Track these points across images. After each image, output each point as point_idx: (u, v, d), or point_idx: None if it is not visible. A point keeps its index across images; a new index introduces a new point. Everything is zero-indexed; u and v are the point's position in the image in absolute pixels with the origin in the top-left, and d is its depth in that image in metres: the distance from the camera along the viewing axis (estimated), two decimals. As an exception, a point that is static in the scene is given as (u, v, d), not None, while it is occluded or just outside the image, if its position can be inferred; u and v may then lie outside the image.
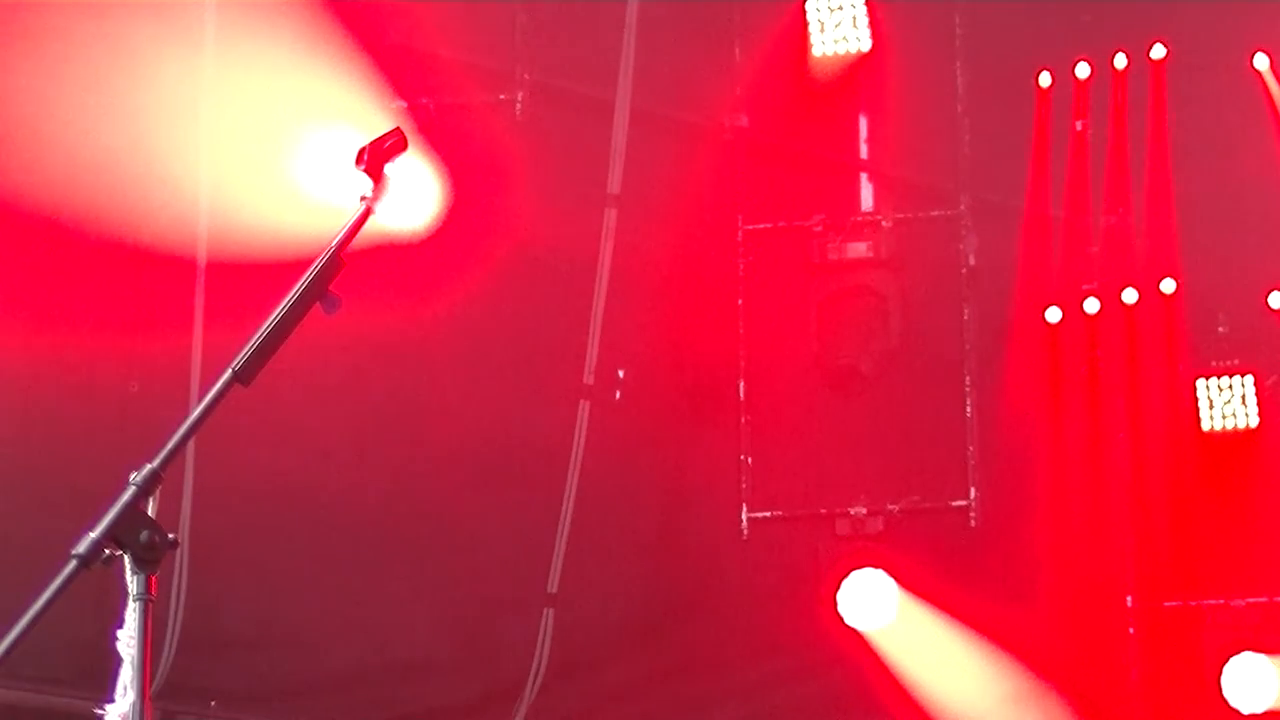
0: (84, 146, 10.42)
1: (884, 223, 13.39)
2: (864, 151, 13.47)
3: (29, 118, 10.38)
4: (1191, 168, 12.86)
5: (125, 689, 4.33)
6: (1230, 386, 12.70)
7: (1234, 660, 12.17)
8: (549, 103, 12.50)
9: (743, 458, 13.16)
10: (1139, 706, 12.48)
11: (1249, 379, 12.51)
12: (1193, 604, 12.46)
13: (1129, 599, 12.64)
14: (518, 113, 12.40)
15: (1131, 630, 12.62)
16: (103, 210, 10.40)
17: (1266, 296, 12.09)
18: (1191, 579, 12.41)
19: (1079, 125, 13.31)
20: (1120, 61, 13.20)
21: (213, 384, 4.27)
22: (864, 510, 13.06)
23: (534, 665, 12.26)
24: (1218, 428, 12.56)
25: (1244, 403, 12.59)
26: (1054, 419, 13.08)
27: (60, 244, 10.35)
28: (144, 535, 4.11)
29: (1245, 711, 12.10)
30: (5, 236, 10.26)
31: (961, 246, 13.38)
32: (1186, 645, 11.43)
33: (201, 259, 10.84)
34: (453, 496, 11.45)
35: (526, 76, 12.45)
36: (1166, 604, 12.79)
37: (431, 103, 10.69)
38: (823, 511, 13.10)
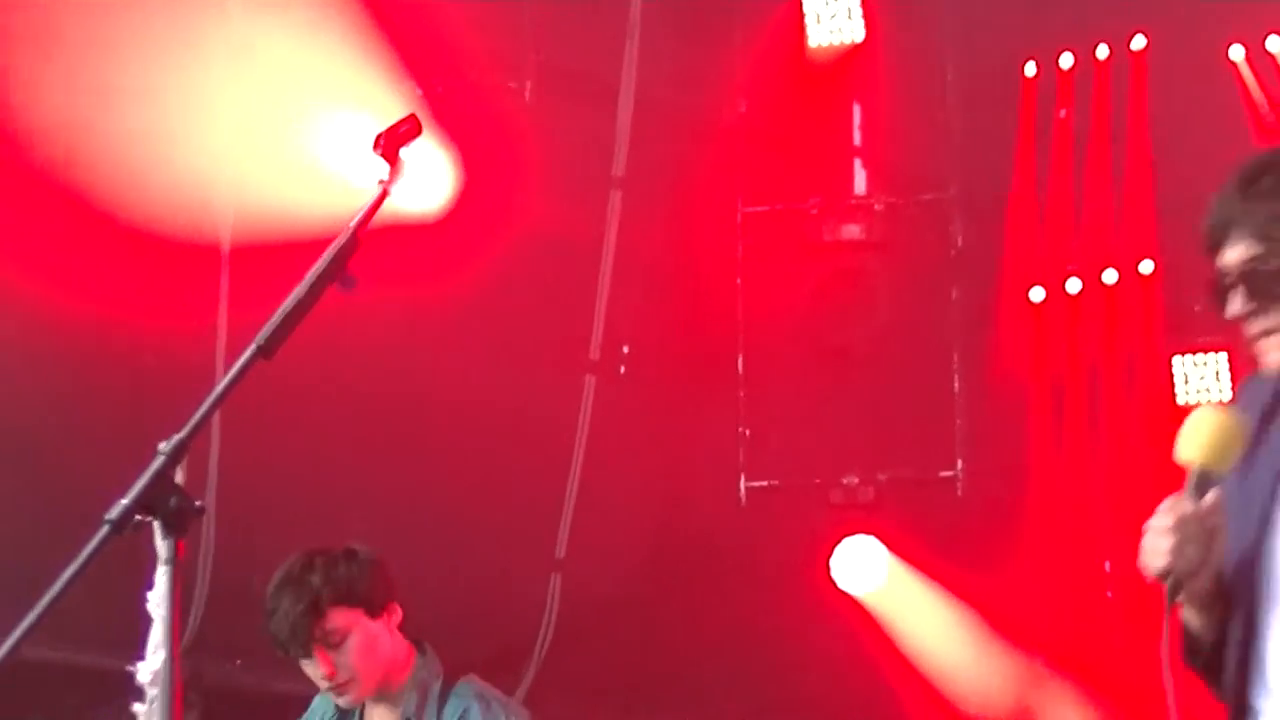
0: (112, 134, 10.45)
1: (876, 206, 13.43)
2: (857, 138, 13.50)
3: (66, 108, 10.40)
4: (1170, 154, 12.89)
5: (156, 648, 4.36)
6: (1205, 363, 12.75)
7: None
8: (556, 89, 12.52)
9: (741, 430, 13.20)
10: (1116, 668, 12.51)
11: (1223, 356, 12.55)
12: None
13: (1107, 564, 12.67)
14: (527, 98, 12.42)
15: (1109, 594, 12.63)
16: (132, 195, 10.45)
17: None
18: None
19: (1063, 113, 13.33)
20: (1102, 52, 13.22)
21: (236, 359, 4.33)
22: (856, 480, 13.09)
23: (542, 627, 12.29)
24: (1192, 401, 12.58)
25: (1217, 378, 12.63)
26: (1037, 394, 13.12)
27: (98, 227, 10.37)
28: (173, 502, 4.15)
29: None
30: (47, 219, 10.30)
31: (950, 229, 13.41)
32: (1162, 610, 11.43)
33: (225, 242, 10.85)
34: (464, 466, 11.50)
35: (534, 63, 12.47)
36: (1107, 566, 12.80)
37: (444, 89, 10.68)
38: (817, 481, 13.14)
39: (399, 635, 6.72)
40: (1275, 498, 4.45)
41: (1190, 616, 4.58)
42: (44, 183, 10.36)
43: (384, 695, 6.70)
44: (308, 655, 6.60)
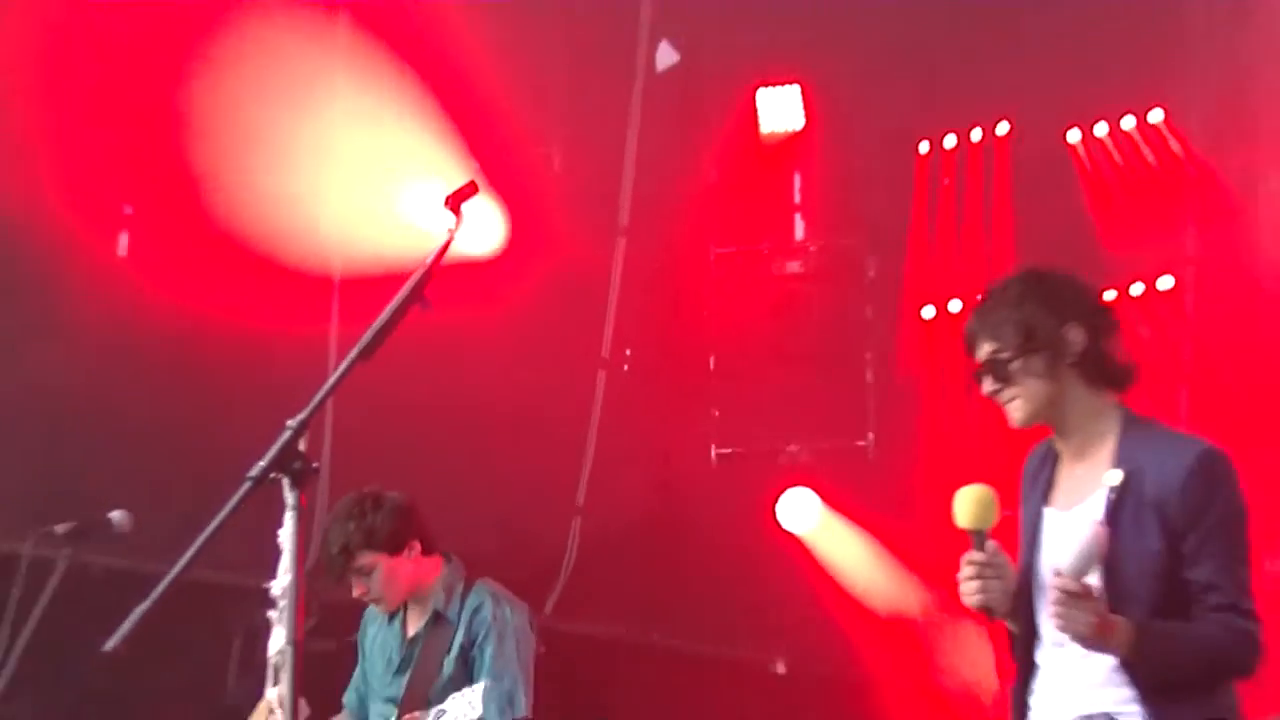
0: (258, 193, 10.43)
1: (811, 247, 13.41)
2: (797, 198, 13.49)
3: (230, 169, 10.38)
4: (1026, 207, 12.87)
5: (284, 571, 4.36)
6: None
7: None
8: (576, 158, 12.51)
9: (712, 411, 13.17)
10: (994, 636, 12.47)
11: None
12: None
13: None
14: (555, 166, 12.40)
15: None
16: (271, 238, 10.43)
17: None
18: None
19: (946, 181, 13.30)
20: (975, 135, 13.19)
21: (344, 359, 4.38)
22: (796, 448, 13.07)
23: (565, 559, 12.26)
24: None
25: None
26: (928, 385, 13.09)
27: (247, 261, 10.34)
28: (297, 464, 4.21)
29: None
30: (212, 254, 10.27)
31: (864, 264, 13.38)
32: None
33: (336, 273, 10.82)
34: (507, 436, 11.50)
35: (559, 137, 12.47)
36: (1006, 513, 12.72)
37: (493, 159, 10.65)
38: (768, 448, 13.12)
39: (421, 558, 6.73)
40: (1037, 526, 4.71)
41: (1010, 625, 4.74)
42: (212, 229, 10.35)
43: (415, 598, 6.77)
44: (345, 582, 6.67)
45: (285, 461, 4.29)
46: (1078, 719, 4.52)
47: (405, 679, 6.70)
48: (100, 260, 10.53)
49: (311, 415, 4.34)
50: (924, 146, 13.26)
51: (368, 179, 10.77)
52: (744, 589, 12.63)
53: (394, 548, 6.60)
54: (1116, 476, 4.43)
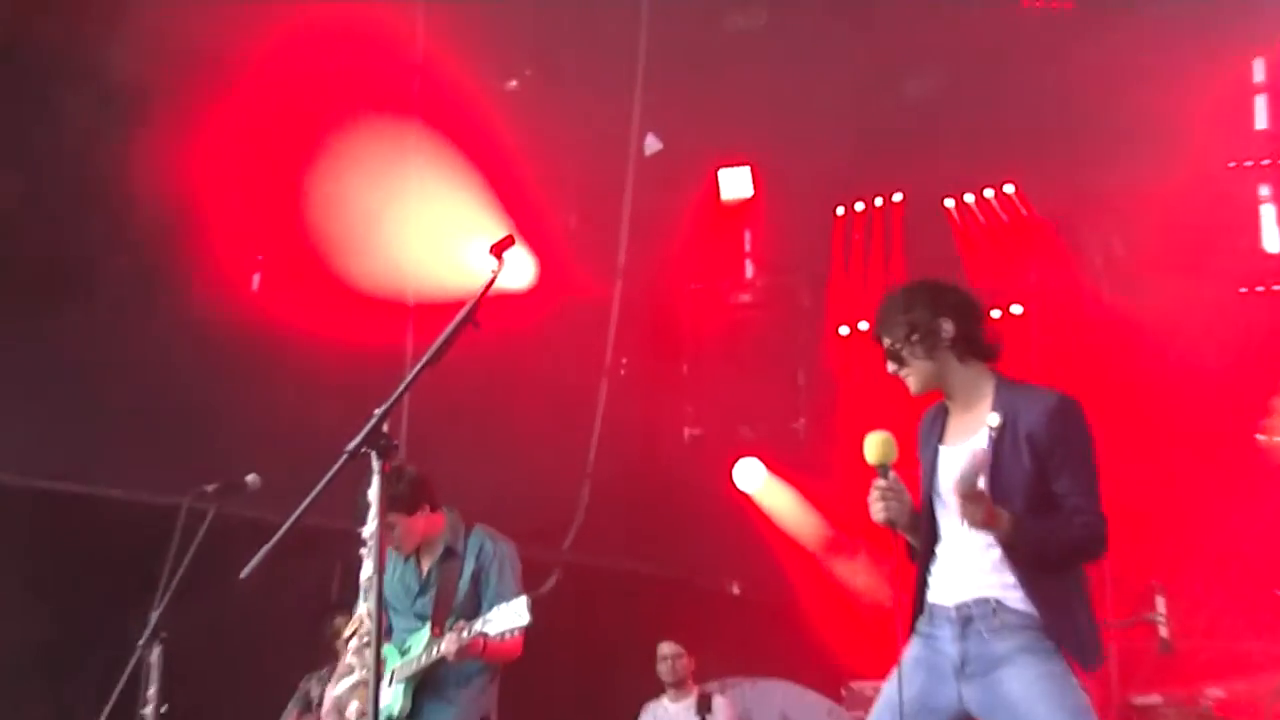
0: (354, 242, 10.44)
1: (758, 284, 13.40)
2: (748, 247, 13.48)
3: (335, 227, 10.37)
4: (915, 252, 12.86)
5: (372, 519, 4.38)
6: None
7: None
8: (586, 220, 12.50)
9: (686, 404, 13.16)
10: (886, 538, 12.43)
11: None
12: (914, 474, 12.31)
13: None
14: (571, 227, 12.40)
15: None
16: (364, 274, 10.44)
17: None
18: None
19: (857, 235, 13.31)
20: (878, 201, 13.18)
21: (416, 364, 4.43)
22: (747, 430, 13.05)
23: (578, 510, 12.22)
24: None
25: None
26: (844, 383, 13.06)
27: (344, 292, 10.34)
28: (382, 442, 4.24)
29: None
30: (318, 287, 10.26)
31: (798, 295, 13.39)
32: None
33: (410, 300, 10.80)
34: (535, 424, 11.44)
35: (575, 207, 12.48)
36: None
37: (524, 222, 10.64)
38: (726, 430, 13.11)
39: (429, 515, 6.64)
40: (934, 460, 4.74)
41: (909, 538, 4.78)
42: (321, 271, 10.35)
43: (427, 543, 6.66)
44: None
45: (373, 439, 4.34)
46: (971, 600, 4.55)
47: (429, 598, 6.61)
48: (240, 293, 10.55)
49: (392, 406, 4.37)
50: (840, 210, 13.26)
51: (434, 235, 10.76)
52: (709, 532, 12.63)
53: (410, 509, 6.54)
54: (996, 419, 4.55)
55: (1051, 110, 12.27)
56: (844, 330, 13.22)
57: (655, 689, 9.71)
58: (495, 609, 6.14)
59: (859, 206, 13.26)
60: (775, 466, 12.84)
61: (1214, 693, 7.80)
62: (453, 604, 6.45)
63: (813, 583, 12.57)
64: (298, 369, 9.89)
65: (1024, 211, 12.60)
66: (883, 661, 12.15)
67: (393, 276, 10.74)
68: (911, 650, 4.68)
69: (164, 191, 9.64)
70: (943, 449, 4.75)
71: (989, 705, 4.49)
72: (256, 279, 10.68)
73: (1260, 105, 12.43)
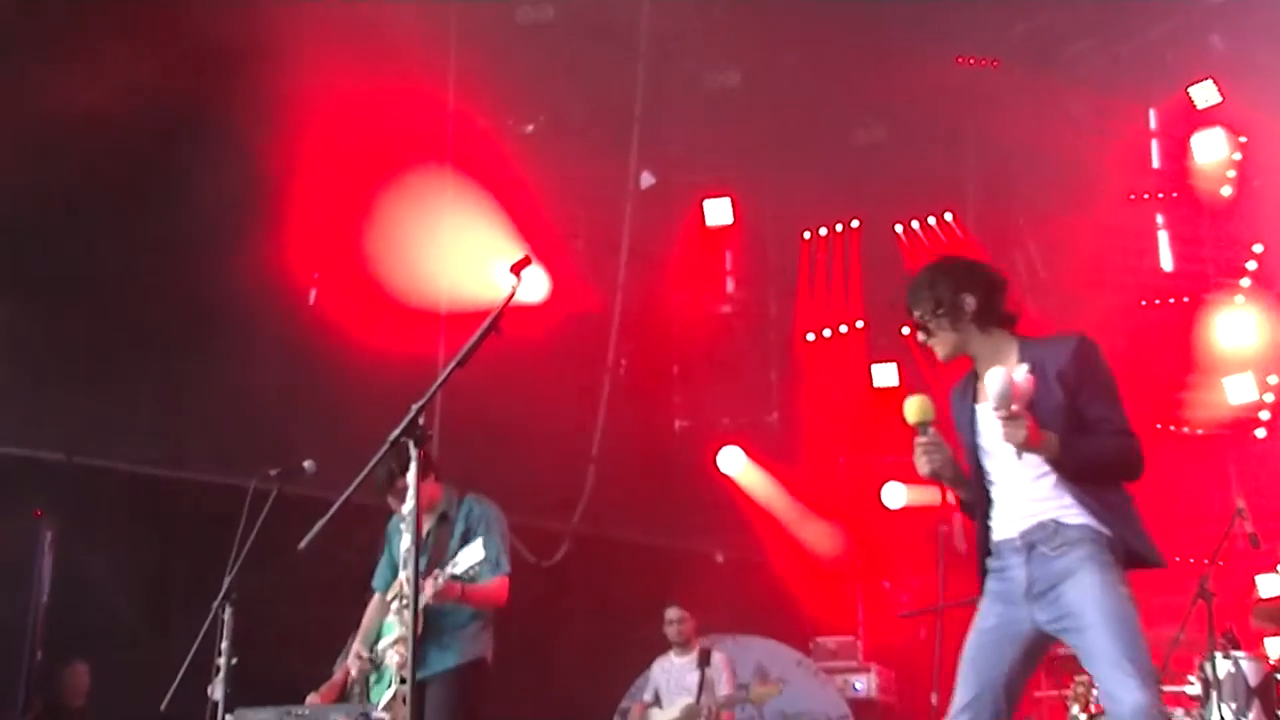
0: (396, 261, 10.41)
1: (737, 297, 13.36)
2: (729, 266, 13.44)
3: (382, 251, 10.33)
4: (872, 272, 12.85)
5: (410, 496, 4.33)
6: (885, 370, 12.58)
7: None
8: (592, 243, 12.47)
9: (676, 399, 13.12)
10: (848, 512, 12.43)
11: (892, 365, 12.40)
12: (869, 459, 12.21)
13: (841, 459, 12.53)
14: (579, 248, 12.38)
15: (840, 459, 12.43)
16: (405, 287, 10.42)
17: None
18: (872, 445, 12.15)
19: (821, 255, 13.29)
20: (838, 227, 13.17)
21: (448, 365, 4.33)
22: (729, 421, 13.02)
23: (585, 489, 12.20)
24: (878, 385, 12.41)
25: (891, 376, 12.46)
26: (809, 381, 13.05)
27: (387, 303, 10.31)
28: (418, 431, 4.13)
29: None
30: (363, 304, 10.23)
31: (769, 305, 13.36)
32: (871, 489, 11.13)
33: (443, 309, 10.76)
34: (548, 416, 11.38)
35: (582, 233, 12.45)
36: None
37: (539, 245, 10.61)
38: (711, 422, 13.07)
39: (433, 484, 6.44)
40: (973, 420, 4.46)
41: (958, 490, 4.52)
42: (369, 287, 10.32)
43: (430, 509, 6.43)
44: (386, 499, 6.44)
45: (411, 430, 4.26)
46: (1033, 525, 4.32)
47: (426, 557, 6.49)
48: (298, 306, 10.51)
49: (427, 401, 4.31)
50: (807, 234, 13.24)
51: (464, 257, 10.71)
52: (696, 507, 12.57)
53: (419, 478, 6.40)
54: (1024, 369, 4.27)
55: (983, 151, 12.32)
56: (810, 336, 13.20)
57: (654, 641, 9.66)
58: (461, 552, 6.02)
59: (823, 231, 13.23)
60: (752, 452, 12.79)
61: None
62: (444, 560, 6.23)
63: (784, 552, 12.53)
64: (348, 370, 9.83)
65: (961, 236, 12.58)
66: (843, 619, 12.27)
67: (429, 291, 10.70)
68: (987, 591, 4.43)
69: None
70: (979, 408, 4.45)
71: (1056, 618, 4.25)
72: (313, 294, 10.61)
73: (1155, 148, 12.50)
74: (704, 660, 8.73)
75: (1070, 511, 4.29)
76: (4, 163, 8.71)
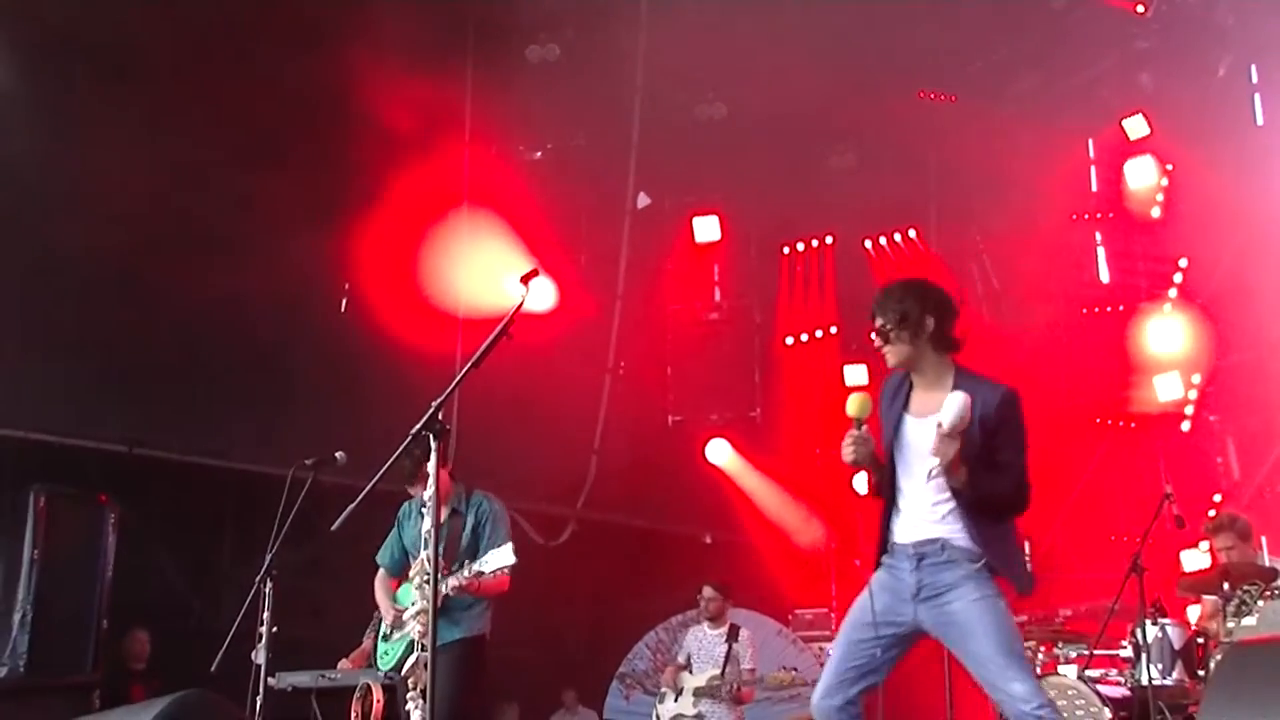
0: (420, 276, 10.38)
1: (723, 304, 13.29)
2: (716, 277, 13.36)
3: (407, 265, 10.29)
4: (846, 281, 12.81)
5: (430, 485, 4.29)
6: (858, 370, 12.53)
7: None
8: (593, 258, 12.43)
9: (670, 396, 13.07)
10: (824, 496, 12.38)
11: (861, 366, 12.34)
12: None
13: (818, 450, 12.46)
14: (582, 262, 12.33)
15: (817, 451, 12.34)
16: (424, 301, 10.39)
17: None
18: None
19: (799, 268, 13.26)
20: (814, 242, 13.14)
21: (464, 366, 4.26)
22: (716, 416, 12.97)
23: (588, 479, 12.18)
24: (850, 383, 12.36)
25: (861, 376, 12.40)
26: (790, 381, 13.01)
27: (412, 314, 10.26)
28: (438, 425, 4.10)
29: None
30: (389, 311, 10.17)
31: (753, 314, 13.30)
32: (843, 477, 11.04)
33: (460, 314, 10.71)
34: (554, 413, 11.35)
35: (584, 248, 12.40)
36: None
37: (546, 260, 10.56)
38: (700, 416, 13.00)
39: (447, 476, 6.31)
40: (899, 426, 4.51)
41: (873, 474, 4.58)
42: (395, 297, 10.27)
43: (444, 500, 6.25)
44: (410, 486, 6.43)
45: (431, 423, 4.23)
46: (925, 539, 4.43)
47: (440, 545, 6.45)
48: (332, 314, 10.45)
49: (446, 397, 4.28)
50: (786, 249, 13.22)
51: (479, 268, 10.67)
52: (687, 494, 12.54)
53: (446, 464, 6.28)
54: (958, 397, 4.34)
55: (942, 175, 12.31)
56: (789, 340, 13.18)
57: (648, 614, 9.67)
58: (490, 553, 5.99)
59: (800, 246, 13.21)
60: (737, 444, 12.76)
61: (1064, 612, 7.77)
62: (456, 552, 6.21)
63: (766, 533, 12.50)
64: (373, 371, 9.81)
65: (922, 251, 12.57)
66: (819, 593, 12.25)
67: (448, 298, 10.67)
68: (878, 577, 4.53)
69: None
70: (909, 419, 4.53)
71: (939, 623, 4.38)
72: (344, 302, 10.56)
73: (1093, 174, 12.54)
74: (733, 636, 8.73)
75: (959, 535, 4.41)
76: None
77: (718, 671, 8.56)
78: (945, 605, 4.35)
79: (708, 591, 8.92)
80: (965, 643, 4.31)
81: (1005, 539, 4.46)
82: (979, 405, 4.36)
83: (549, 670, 11.04)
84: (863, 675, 4.41)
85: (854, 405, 4.45)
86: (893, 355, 4.57)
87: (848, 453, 4.46)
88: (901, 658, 4.51)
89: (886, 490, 4.57)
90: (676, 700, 8.69)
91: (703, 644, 8.85)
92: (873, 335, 4.61)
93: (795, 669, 8.98)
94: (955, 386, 4.45)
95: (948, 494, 4.41)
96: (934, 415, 4.37)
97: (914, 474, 4.46)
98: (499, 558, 5.93)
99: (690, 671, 8.76)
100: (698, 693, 8.58)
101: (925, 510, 4.46)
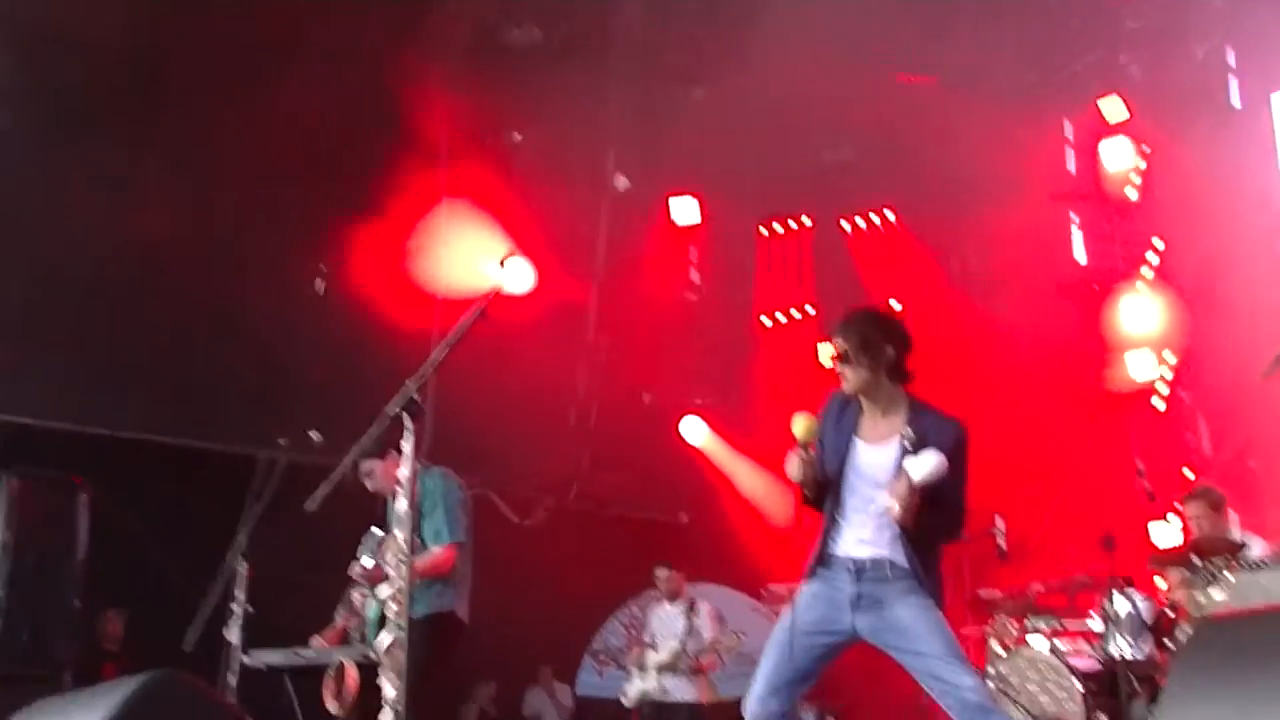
0: (401, 259, 10.33)
1: (697, 281, 13.30)
2: (694, 257, 13.38)
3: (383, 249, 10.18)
4: (823, 262, 12.81)
5: (405, 463, 4.28)
6: (830, 349, 12.52)
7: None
8: (572, 240, 12.40)
9: (647, 377, 13.07)
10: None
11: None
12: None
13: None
14: (561, 245, 12.28)
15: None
16: (403, 281, 10.33)
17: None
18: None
19: (775, 248, 13.27)
20: (793, 224, 13.15)
21: (441, 346, 4.35)
22: (694, 396, 13.00)
23: (564, 460, 12.18)
24: (829, 364, 12.34)
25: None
26: (765, 361, 13.04)
27: (390, 293, 10.19)
28: (413, 405, 4.08)
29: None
30: (366, 292, 10.10)
31: (732, 295, 13.32)
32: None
33: (439, 295, 10.66)
34: (534, 393, 11.36)
35: (564, 230, 12.36)
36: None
37: (523, 244, 10.52)
38: (676, 395, 13.05)
39: (394, 459, 6.22)
40: (849, 448, 4.63)
41: (807, 490, 4.68)
42: (374, 278, 10.20)
43: (398, 483, 6.28)
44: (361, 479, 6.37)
45: (406, 405, 4.21)
46: (869, 558, 4.57)
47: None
48: (307, 295, 10.38)
49: (422, 379, 4.26)
50: (763, 230, 13.22)
51: (458, 253, 10.61)
52: (664, 474, 12.58)
53: (381, 455, 6.21)
54: (911, 433, 4.54)
55: (920, 156, 12.29)
56: (766, 321, 13.20)
57: (625, 590, 9.70)
58: (424, 553, 6.02)
59: (777, 227, 13.22)
60: (713, 423, 12.79)
61: (1036, 587, 7.85)
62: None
63: (740, 511, 12.54)
64: (348, 349, 9.78)
65: (899, 229, 12.59)
66: (792, 569, 12.27)
67: (426, 281, 10.62)
68: (810, 588, 4.65)
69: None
70: (861, 443, 4.68)
71: (879, 629, 4.53)
72: (319, 283, 10.50)
73: (1070, 156, 12.55)
74: (691, 610, 8.78)
75: (900, 556, 4.57)
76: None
77: (679, 645, 8.62)
78: (887, 612, 4.53)
79: (661, 573, 9.03)
80: (913, 644, 4.48)
81: (936, 563, 4.65)
82: (934, 438, 4.53)
83: (525, 648, 11.04)
84: (798, 681, 4.59)
85: (800, 428, 4.58)
86: (852, 379, 4.67)
87: (792, 470, 4.61)
88: (831, 664, 4.68)
89: (830, 504, 4.69)
90: (642, 678, 8.75)
91: (664, 621, 8.94)
92: (836, 359, 4.72)
93: (744, 633, 9.11)
94: (909, 418, 4.61)
95: (893, 524, 4.56)
96: (886, 443, 4.58)
97: (860, 496, 4.62)
98: (424, 559, 5.98)
99: (655, 649, 8.81)
100: (661, 668, 8.66)
101: (869, 532, 4.60)
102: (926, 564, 4.56)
